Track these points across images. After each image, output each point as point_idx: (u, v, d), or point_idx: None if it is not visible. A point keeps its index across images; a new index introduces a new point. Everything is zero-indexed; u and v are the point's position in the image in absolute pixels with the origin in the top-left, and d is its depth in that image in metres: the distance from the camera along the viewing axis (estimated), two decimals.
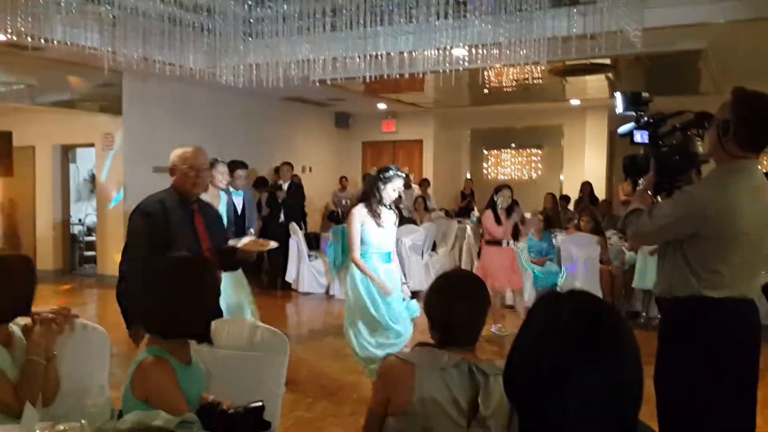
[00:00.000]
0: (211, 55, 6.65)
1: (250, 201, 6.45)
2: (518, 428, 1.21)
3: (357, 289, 4.33)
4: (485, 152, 14.29)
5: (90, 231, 11.33)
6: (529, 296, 7.53)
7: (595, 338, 1.14)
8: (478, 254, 7.49)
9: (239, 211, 5.93)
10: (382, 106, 12.81)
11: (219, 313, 2.59)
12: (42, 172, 10.87)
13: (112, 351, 2.73)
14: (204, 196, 3.72)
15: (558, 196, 11.28)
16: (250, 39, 6.31)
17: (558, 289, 7.01)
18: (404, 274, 4.77)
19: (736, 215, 2.41)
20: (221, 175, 5.17)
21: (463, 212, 11.92)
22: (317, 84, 8.14)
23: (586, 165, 12.80)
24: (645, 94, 2.78)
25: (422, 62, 6.36)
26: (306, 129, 13.14)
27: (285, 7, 5.79)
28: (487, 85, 9.83)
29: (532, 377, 1.15)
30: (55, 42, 5.93)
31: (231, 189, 5.81)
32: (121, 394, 2.11)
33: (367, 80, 6.60)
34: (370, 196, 4.33)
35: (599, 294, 5.98)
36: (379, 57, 6.16)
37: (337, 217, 11.03)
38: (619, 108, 2.80)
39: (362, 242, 4.29)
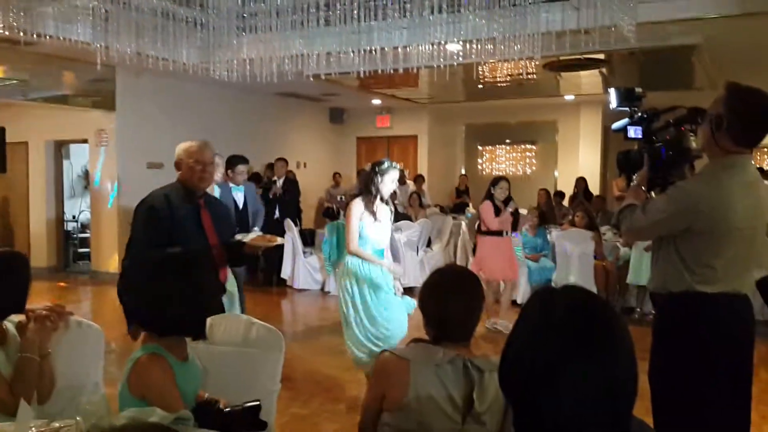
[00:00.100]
0: (204, 50, 6.62)
1: (253, 196, 6.46)
2: (513, 423, 1.22)
3: (349, 287, 4.32)
4: (480, 148, 14.31)
5: (84, 228, 11.29)
6: (523, 291, 7.55)
7: (590, 333, 1.14)
8: (473, 250, 7.49)
9: (239, 207, 5.92)
10: (376, 101, 12.79)
11: (217, 310, 2.58)
12: (35, 169, 10.82)
13: (107, 348, 2.73)
14: None
15: (552, 192, 11.30)
16: (244, 34, 6.29)
17: (552, 284, 7.01)
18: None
19: (729, 210, 2.41)
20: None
21: (458, 208, 11.94)
22: (311, 79, 8.12)
23: (581, 160, 12.83)
24: (639, 90, 2.79)
25: (416, 57, 6.35)
26: (300, 124, 13.12)
27: (278, 1, 5.76)
28: (481, 81, 9.83)
29: (527, 372, 1.15)
30: (47, 37, 5.90)
31: (231, 184, 5.79)
32: (116, 391, 2.10)
33: (362, 75, 6.58)
34: (368, 190, 4.33)
35: (593, 290, 6.01)
36: (374, 52, 6.15)
37: (332, 213, 11.01)
38: (613, 103, 2.81)
39: (359, 237, 4.29)
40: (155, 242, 3.16)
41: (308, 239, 9.63)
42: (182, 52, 6.34)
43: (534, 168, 13.70)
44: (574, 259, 7.47)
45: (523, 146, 13.90)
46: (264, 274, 9.64)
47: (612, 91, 2.80)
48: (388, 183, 4.31)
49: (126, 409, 1.88)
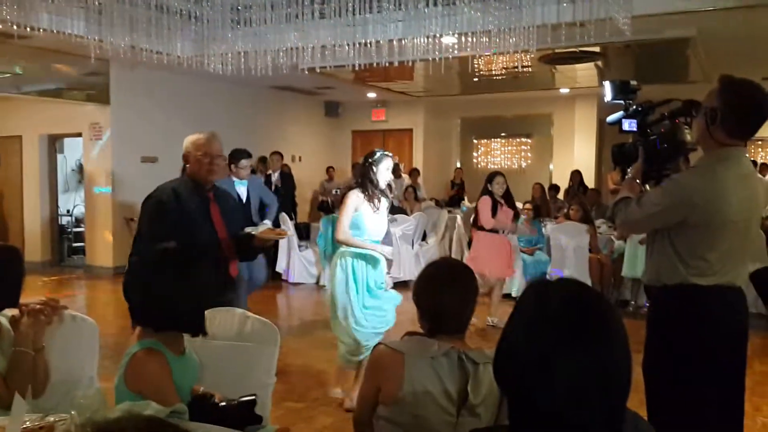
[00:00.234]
0: (198, 43, 6.59)
1: (262, 188, 6.44)
2: (508, 415, 1.22)
3: (340, 279, 4.30)
4: (475, 141, 14.31)
5: (78, 222, 11.26)
6: (519, 285, 7.56)
7: (585, 326, 1.14)
8: (469, 244, 7.48)
9: (243, 201, 5.91)
10: (371, 94, 12.77)
11: (216, 305, 2.57)
12: (29, 163, 10.77)
13: (101, 342, 2.72)
14: None
15: (547, 185, 11.30)
16: (238, 26, 6.26)
17: (547, 277, 7.02)
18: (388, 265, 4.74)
19: (724, 203, 2.42)
20: None
21: (454, 202, 11.94)
22: (306, 72, 8.10)
23: (576, 154, 12.84)
24: (633, 83, 2.79)
25: (412, 50, 6.34)
26: (295, 118, 13.08)
27: None
28: (476, 74, 9.82)
29: (522, 365, 1.16)
30: (41, 30, 5.86)
31: (234, 179, 5.78)
32: (111, 385, 2.10)
33: (357, 68, 6.55)
34: (366, 181, 4.30)
35: (588, 282, 6.01)
36: (369, 45, 6.13)
37: (327, 206, 11.00)
38: (608, 96, 2.80)
39: (357, 227, 4.25)
40: (162, 237, 3.10)
41: (303, 233, 9.62)
42: (176, 45, 6.31)
43: (529, 161, 13.71)
44: (569, 252, 7.49)
45: (518, 139, 13.90)
46: None
47: (607, 84, 2.80)
48: (383, 171, 4.28)
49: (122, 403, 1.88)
